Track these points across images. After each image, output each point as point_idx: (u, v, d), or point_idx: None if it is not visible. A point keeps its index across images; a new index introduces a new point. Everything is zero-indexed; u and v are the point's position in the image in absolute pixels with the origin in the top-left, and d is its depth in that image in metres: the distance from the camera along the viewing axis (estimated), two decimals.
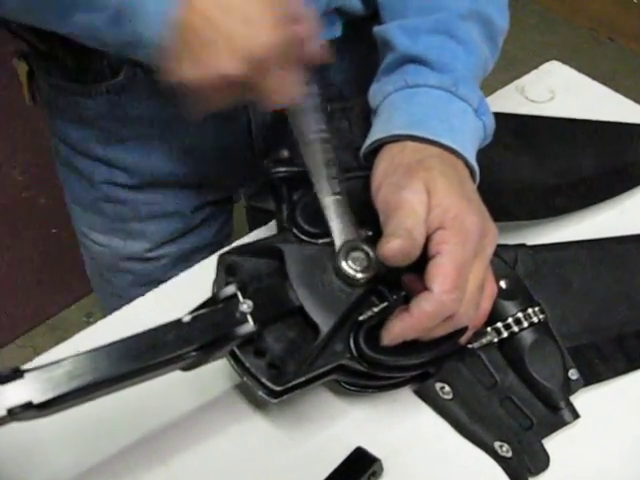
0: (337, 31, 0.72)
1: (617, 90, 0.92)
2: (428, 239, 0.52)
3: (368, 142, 0.60)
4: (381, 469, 0.56)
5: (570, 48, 2.53)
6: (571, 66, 0.95)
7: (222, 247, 0.87)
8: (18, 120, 1.60)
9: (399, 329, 0.52)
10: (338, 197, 0.56)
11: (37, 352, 0.60)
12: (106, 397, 0.49)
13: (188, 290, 0.58)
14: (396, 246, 0.50)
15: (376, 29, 0.66)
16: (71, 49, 0.68)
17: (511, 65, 1.02)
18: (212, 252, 0.84)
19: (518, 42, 2.31)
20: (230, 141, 0.78)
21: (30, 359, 0.58)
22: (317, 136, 0.58)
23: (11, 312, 1.71)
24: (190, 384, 0.59)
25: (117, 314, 0.67)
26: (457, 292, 0.50)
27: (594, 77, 0.94)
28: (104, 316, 0.67)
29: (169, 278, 0.69)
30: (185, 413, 0.59)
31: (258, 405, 0.60)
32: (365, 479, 0.55)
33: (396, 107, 0.60)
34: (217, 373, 0.60)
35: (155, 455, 0.57)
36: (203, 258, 0.71)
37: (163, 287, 0.69)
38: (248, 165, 0.80)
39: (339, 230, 0.55)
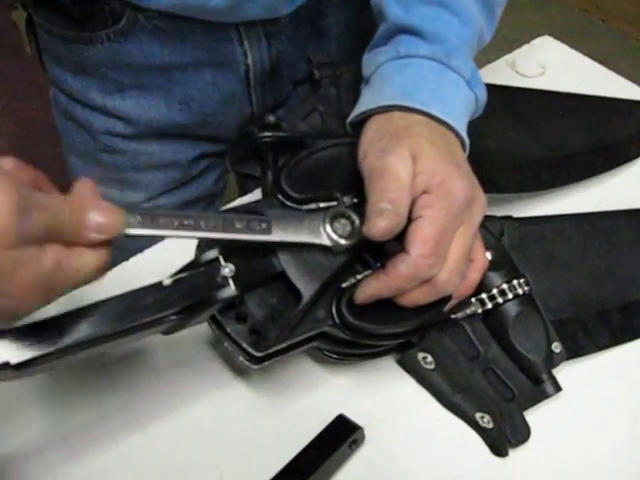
0: None
1: None
2: (413, 202, 0.52)
3: (356, 112, 0.59)
4: (362, 437, 0.56)
5: (563, 29, 2.51)
6: None
7: (217, 199, 0.88)
8: (3, 89, 1.58)
9: (374, 288, 0.52)
10: (270, 234, 0.53)
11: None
12: (86, 362, 0.49)
13: (175, 255, 0.57)
14: (382, 226, 0.50)
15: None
16: None
17: (503, 45, 1.01)
18: (208, 203, 0.86)
19: (511, 22, 2.29)
20: (228, 90, 0.77)
21: None
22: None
23: None
24: (171, 350, 0.59)
25: (94, 287, 0.66)
26: (434, 257, 0.50)
27: None
28: None
29: None
30: (166, 379, 0.59)
31: (240, 373, 0.60)
32: (346, 447, 0.55)
33: (387, 78, 0.59)
34: (199, 340, 0.60)
35: (134, 421, 0.57)
36: (200, 209, 0.70)
37: (148, 252, 0.68)
38: (245, 116, 0.81)
39: (309, 233, 0.53)
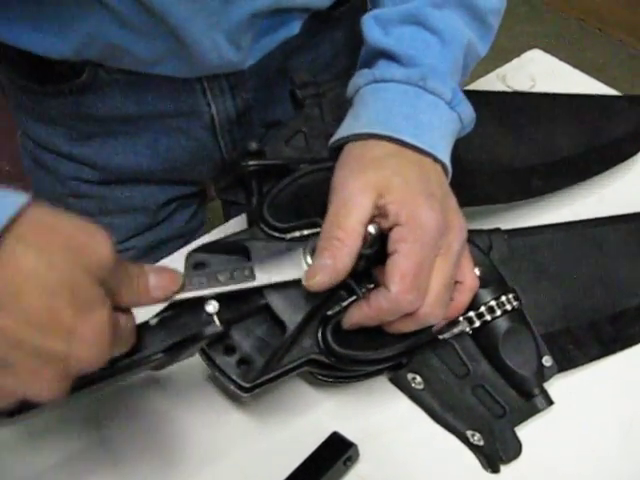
0: (294, 29, 0.72)
1: (605, 81, 0.91)
2: (387, 235, 0.52)
3: (335, 138, 0.59)
4: (357, 454, 0.56)
5: (559, 38, 2.53)
6: (560, 56, 0.94)
7: (193, 237, 0.87)
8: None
9: (357, 317, 0.52)
10: (254, 279, 0.53)
11: None
12: None
13: None
14: (319, 282, 0.51)
15: (362, 18, 0.65)
16: (26, 56, 0.67)
17: (499, 55, 1.01)
18: (183, 242, 0.85)
19: (506, 32, 2.30)
20: (195, 137, 0.78)
21: None
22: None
23: None
24: (165, 372, 0.59)
25: None
26: (414, 292, 0.50)
27: (583, 67, 0.93)
28: None
29: None
30: (160, 400, 0.60)
31: (236, 397, 0.60)
32: (341, 464, 0.55)
33: (363, 103, 0.59)
34: (192, 362, 0.60)
35: (131, 442, 0.57)
36: (172, 248, 0.71)
37: None
38: (215, 161, 0.81)
39: (292, 268, 0.54)
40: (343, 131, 0.58)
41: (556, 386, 0.60)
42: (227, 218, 0.77)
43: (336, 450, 0.56)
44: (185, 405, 0.59)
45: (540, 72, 0.91)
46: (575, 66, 0.94)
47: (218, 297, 0.51)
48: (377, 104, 0.58)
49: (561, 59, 0.94)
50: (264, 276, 0.52)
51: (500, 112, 0.76)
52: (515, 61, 0.93)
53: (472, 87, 0.87)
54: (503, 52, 1.22)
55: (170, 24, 0.63)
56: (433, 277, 0.51)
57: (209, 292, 0.50)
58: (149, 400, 0.60)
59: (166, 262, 0.69)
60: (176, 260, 0.58)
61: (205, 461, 0.57)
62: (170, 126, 0.76)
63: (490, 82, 0.90)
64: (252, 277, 0.52)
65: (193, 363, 0.60)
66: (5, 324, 0.38)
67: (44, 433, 0.58)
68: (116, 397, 0.59)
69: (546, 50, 0.96)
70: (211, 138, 0.78)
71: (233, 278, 0.51)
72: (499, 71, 0.91)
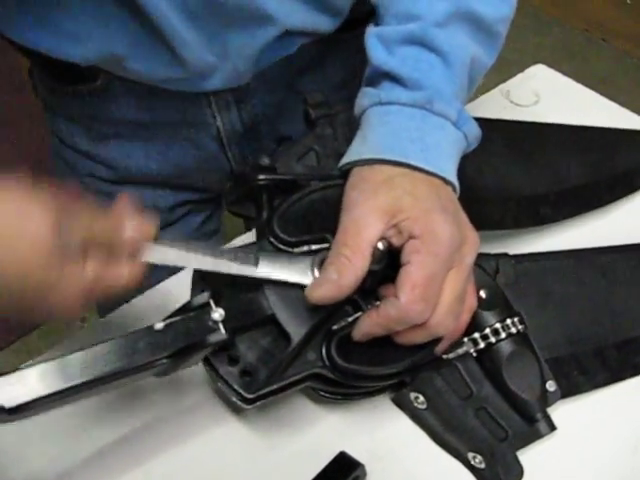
0: (293, 48, 0.72)
1: (610, 91, 0.91)
2: (401, 248, 0.52)
3: (343, 162, 0.59)
4: (364, 474, 0.56)
5: (564, 49, 2.53)
6: (565, 67, 0.95)
7: (209, 240, 0.89)
8: (15, 123, 1.61)
9: (367, 326, 0.53)
10: (256, 267, 0.54)
11: (32, 357, 0.58)
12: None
13: (178, 295, 0.58)
14: (320, 295, 0.52)
15: (366, 32, 0.64)
16: (47, 57, 0.69)
17: (503, 67, 1.02)
18: None
19: (510, 44, 2.30)
20: (204, 147, 0.79)
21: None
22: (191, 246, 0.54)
23: (6, 317, 1.71)
24: (168, 389, 0.60)
25: (109, 318, 0.67)
26: (423, 303, 0.51)
27: (587, 78, 0.93)
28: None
29: None
30: (163, 417, 0.60)
31: (238, 414, 0.60)
32: None
33: (370, 125, 0.59)
34: (196, 377, 0.60)
35: (133, 457, 0.57)
36: None
37: (152, 291, 0.69)
38: (224, 172, 0.82)
39: (298, 273, 0.54)
40: (351, 155, 0.59)
41: (560, 411, 0.60)
42: (248, 228, 0.78)
43: (343, 470, 0.55)
44: (188, 423, 0.59)
45: (544, 87, 0.91)
46: (579, 77, 0.94)
47: (225, 305, 0.52)
48: (384, 128, 0.58)
49: (565, 70, 0.94)
50: (267, 268, 0.53)
51: (510, 140, 0.76)
52: (519, 76, 0.93)
53: (476, 102, 0.87)
54: (507, 64, 1.22)
55: (175, 50, 0.65)
56: (445, 289, 0.52)
57: (210, 265, 0.52)
58: (150, 417, 0.60)
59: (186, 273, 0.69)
60: None
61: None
62: (180, 135, 0.77)
63: (494, 97, 0.90)
64: (255, 264, 0.53)
65: (197, 378, 0.60)
66: None
67: (40, 439, 0.58)
68: (121, 405, 0.60)
69: (550, 61, 0.96)
70: (219, 149, 0.79)
71: (236, 258, 0.53)
72: (503, 87, 0.91)
